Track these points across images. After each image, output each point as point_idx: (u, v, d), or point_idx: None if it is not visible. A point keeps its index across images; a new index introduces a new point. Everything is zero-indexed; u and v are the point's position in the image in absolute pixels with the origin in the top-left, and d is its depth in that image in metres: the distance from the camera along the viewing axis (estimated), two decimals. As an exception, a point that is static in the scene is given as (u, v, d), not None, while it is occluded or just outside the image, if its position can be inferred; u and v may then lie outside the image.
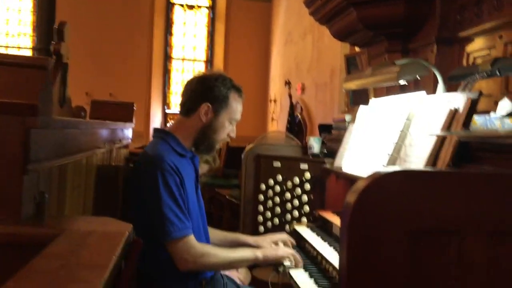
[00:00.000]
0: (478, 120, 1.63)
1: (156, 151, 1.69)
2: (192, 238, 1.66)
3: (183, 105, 1.81)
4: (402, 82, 1.72)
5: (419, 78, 1.81)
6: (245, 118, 7.90)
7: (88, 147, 1.49)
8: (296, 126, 6.13)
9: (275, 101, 7.84)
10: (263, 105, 8.49)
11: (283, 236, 2.07)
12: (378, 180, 0.99)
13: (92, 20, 7.95)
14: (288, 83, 6.24)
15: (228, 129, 1.85)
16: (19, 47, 8.21)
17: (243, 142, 3.73)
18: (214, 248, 1.76)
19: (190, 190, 1.77)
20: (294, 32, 7.30)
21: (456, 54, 2.41)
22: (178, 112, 1.87)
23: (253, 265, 3.02)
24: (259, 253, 1.81)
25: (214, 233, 2.14)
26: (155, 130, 1.87)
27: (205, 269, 1.75)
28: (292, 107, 5.94)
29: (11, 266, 0.71)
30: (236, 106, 1.85)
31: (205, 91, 1.77)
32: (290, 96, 6.07)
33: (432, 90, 1.96)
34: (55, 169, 1.14)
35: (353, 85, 2.19)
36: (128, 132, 2.33)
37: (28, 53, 7.59)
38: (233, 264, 1.82)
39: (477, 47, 2.03)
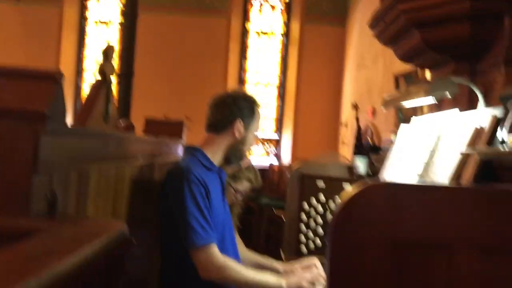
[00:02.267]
0: (515, 140, 1.55)
1: (184, 164, 1.79)
2: (214, 248, 1.71)
3: (216, 123, 1.90)
4: (432, 100, 1.67)
5: (449, 96, 1.75)
6: (317, 142, 7.90)
7: (119, 157, 1.61)
8: (365, 150, 6.01)
9: (346, 125, 7.76)
10: (335, 129, 8.43)
11: (313, 260, 2.05)
12: (364, 192, 0.99)
13: (170, 47, 8.45)
14: (355, 107, 6.17)
15: (252, 142, 1.95)
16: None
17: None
18: (238, 264, 1.79)
19: (217, 203, 1.84)
20: (366, 56, 7.24)
21: (526, 76, 2.28)
22: (206, 130, 1.95)
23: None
24: (283, 282, 1.82)
25: (248, 256, 2.17)
26: (186, 147, 1.98)
27: (227, 283, 1.79)
28: (359, 131, 5.84)
29: None
30: (259, 119, 2.00)
31: (238, 109, 1.87)
32: (357, 120, 5.99)
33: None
34: (74, 174, 1.26)
35: (390, 104, 2.15)
36: (175, 148, 2.46)
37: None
38: (256, 286, 1.83)
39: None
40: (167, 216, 1.82)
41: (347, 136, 7.69)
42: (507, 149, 1.38)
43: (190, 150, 1.91)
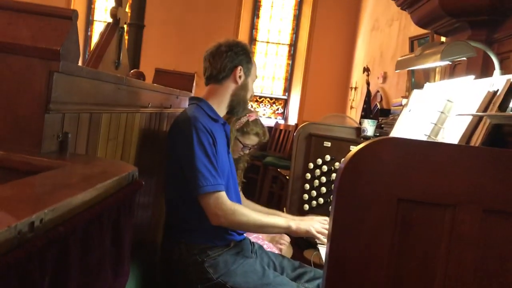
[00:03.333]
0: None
1: (191, 113, 1.80)
2: (223, 195, 1.74)
3: (216, 73, 1.91)
4: (446, 62, 1.65)
5: (465, 59, 1.72)
6: (325, 104, 7.85)
7: (129, 104, 1.61)
8: (373, 115, 5.98)
9: (356, 88, 7.69)
10: (344, 92, 8.36)
11: (326, 218, 2.07)
12: (369, 147, 0.99)
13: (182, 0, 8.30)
14: (366, 70, 6.09)
15: (252, 87, 2.05)
16: (117, 23, 8.75)
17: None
18: (246, 209, 1.82)
19: (222, 153, 1.86)
20: (381, 19, 7.09)
21: (543, 46, 2.24)
22: (207, 82, 1.97)
23: (304, 246, 3.06)
24: (292, 223, 1.85)
25: (255, 207, 2.21)
26: (190, 98, 2.00)
27: (236, 227, 1.82)
28: (368, 95, 5.80)
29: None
30: (255, 64, 2.06)
31: (236, 57, 1.88)
32: (368, 84, 5.94)
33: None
34: (85, 116, 1.27)
35: (404, 66, 2.13)
36: (185, 100, 2.45)
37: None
38: (265, 228, 1.87)
39: None
40: (173, 164, 1.84)
41: (356, 100, 7.64)
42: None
43: (195, 101, 1.93)
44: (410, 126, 1.96)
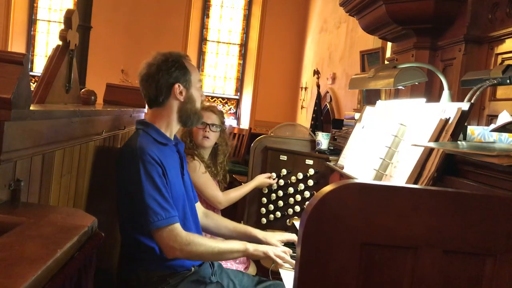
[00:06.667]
0: (476, 131, 1.61)
1: (138, 143, 1.72)
2: (177, 227, 1.70)
3: (154, 98, 1.83)
4: (399, 87, 1.69)
5: (417, 84, 1.78)
6: (277, 104, 7.90)
7: (83, 135, 1.55)
8: (323, 116, 6.09)
9: (306, 88, 7.79)
10: (295, 92, 8.46)
11: (293, 236, 2.08)
12: (334, 192, 1.00)
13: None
14: (316, 72, 6.18)
15: (200, 93, 1.92)
16: (61, 22, 8.44)
17: (270, 128, 3.74)
18: (202, 238, 1.79)
19: (175, 178, 1.81)
20: (329, 21, 7.20)
21: (484, 55, 2.34)
22: (150, 106, 1.88)
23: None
24: (250, 246, 1.84)
25: (224, 222, 2.18)
26: (137, 122, 1.89)
27: (193, 258, 1.79)
28: (319, 97, 5.89)
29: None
30: (193, 69, 1.91)
31: (169, 75, 1.81)
32: (318, 86, 6.03)
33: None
34: (38, 157, 1.21)
35: (357, 85, 2.17)
36: (139, 117, 2.40)
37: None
38: (222, 255, 1.84)
39: (507, 49, 1.96)
40: (124, 196, 1.76)
41: (306, 100, 7.75)
42: (467, 144, 1.43)
43: (142, 126, 1.84)
44: (363, 144, 2.00)
